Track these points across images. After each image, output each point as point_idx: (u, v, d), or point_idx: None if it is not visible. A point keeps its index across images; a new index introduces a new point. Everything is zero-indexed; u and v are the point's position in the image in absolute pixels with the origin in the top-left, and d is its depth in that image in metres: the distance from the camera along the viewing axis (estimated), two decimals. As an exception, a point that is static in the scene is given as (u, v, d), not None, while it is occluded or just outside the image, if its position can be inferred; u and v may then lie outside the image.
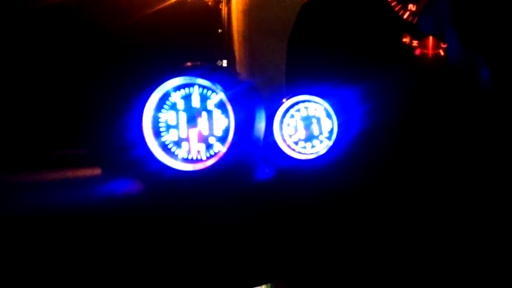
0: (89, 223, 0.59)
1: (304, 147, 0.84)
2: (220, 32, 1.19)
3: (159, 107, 0.67)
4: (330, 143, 0.81)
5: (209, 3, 1.20)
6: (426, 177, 0.80)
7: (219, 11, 1.19)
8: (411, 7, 0.89)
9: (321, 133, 0.83)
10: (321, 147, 0.83)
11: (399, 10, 0.89)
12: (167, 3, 1.14)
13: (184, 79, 0.66)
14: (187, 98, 0.67)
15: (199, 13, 1.18)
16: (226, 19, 1.20)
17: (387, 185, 0.80)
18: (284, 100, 0.85)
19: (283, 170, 0.81)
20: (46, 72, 0.83)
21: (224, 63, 1.23)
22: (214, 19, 1.18)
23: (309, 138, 0.84)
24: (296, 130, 0.84)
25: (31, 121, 0.81)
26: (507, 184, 0.76)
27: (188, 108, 0.67)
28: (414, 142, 0.84)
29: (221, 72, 0.65)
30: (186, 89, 0.67)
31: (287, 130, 0.84)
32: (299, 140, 0.84)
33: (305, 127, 0.84)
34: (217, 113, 0.66)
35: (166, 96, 0.67)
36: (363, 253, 0.79)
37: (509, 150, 0.78)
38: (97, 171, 0.65)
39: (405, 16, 0.89)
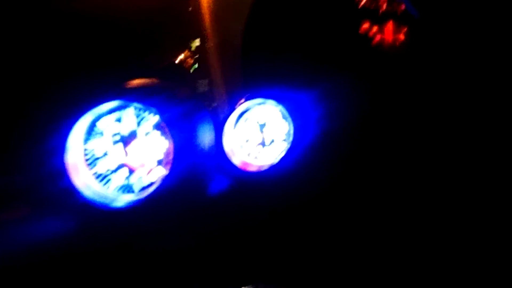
0: (19, 270, 0.53)
1: (261, 152, 0.80)
2: (191, 10, 1.14)
3: (90, 132, 0.61)
4: (288, 145, 0.78)
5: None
6: (389, 177, 0.77)
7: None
8: (368, -8, 0.83)
9: (277, 136, 0.79)
10: (278, 150, 0.79)
11: (356, -3, 0.83)
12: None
13: (118, 102, 0.60)
14: (121, 121, 0.61)
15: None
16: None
17: (349, 186, 0.77)
18: (241, 101, 0.80)
19: (240, 179, 0.78)
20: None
21: (197, 42, 1.18)
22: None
23: (266, 141, 0.80)
24: (252, 135, 0.80)
25: None
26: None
27: (124, 131, 0.61)
28: (375, 137, 0.81)
29: (158, 93, 0.59)
30: (121, 111, 0.61)
31: (242, 135, 0.80)
32: (257, 144, 0.80)
33: (261, 130, 0.80)
34: (155, 135, 0.61)
35: (98, 119, 0.61)
36: (332, 254, 0.77)
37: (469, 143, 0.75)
38: (25, 211, 0.60)
39: (362, 3, 0.83)
